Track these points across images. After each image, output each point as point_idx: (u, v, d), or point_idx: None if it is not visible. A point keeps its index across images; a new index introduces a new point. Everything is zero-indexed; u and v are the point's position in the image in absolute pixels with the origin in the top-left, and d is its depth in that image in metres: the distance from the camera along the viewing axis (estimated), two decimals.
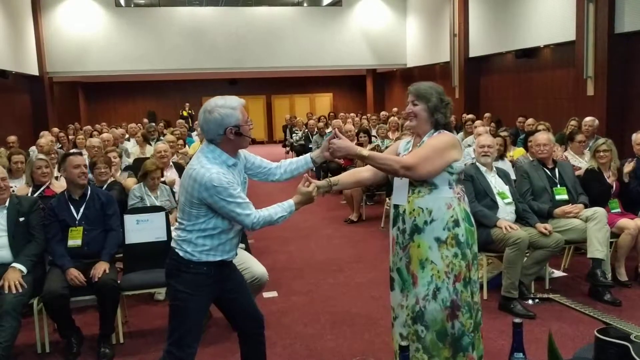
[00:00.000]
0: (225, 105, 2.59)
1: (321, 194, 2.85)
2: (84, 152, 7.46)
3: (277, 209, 2.71)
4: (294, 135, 14.49)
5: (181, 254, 2.65)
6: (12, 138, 9.16)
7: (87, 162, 4.88)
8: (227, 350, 3.84)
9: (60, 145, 9.97)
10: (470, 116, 10.71)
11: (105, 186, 5.10)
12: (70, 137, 11.43)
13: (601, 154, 5.02)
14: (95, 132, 10.90)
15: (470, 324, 2.73)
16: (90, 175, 5.12)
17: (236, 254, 2.81)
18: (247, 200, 2.65)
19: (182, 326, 2.70)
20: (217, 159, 2.61)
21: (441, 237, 2.69)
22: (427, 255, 2.70)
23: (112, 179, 5.47)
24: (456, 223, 2.71)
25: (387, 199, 7.12)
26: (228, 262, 2.77)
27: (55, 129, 11.65)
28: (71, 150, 7.47)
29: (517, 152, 6.90)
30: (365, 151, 2.75)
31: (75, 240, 3.94)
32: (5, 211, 3.87)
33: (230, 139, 2.60)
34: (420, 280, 2.71)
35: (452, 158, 2.72)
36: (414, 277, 2.74)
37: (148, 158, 6.63)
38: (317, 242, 6.70)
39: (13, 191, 4.30)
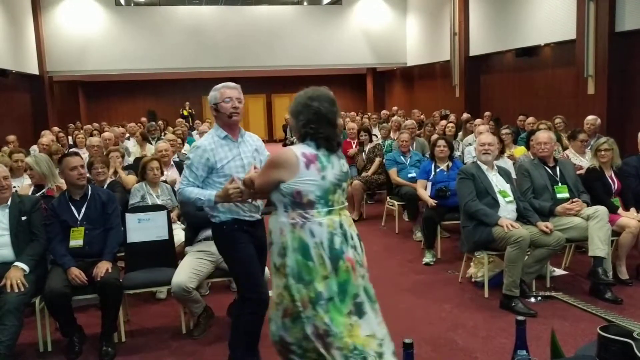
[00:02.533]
0: (213, 89, 3.28)
1: (245, 200, 3.05)
2: (84, 151, 7.48)
3: (199, 192, 3.12)
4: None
5: (215, 220, 3.19)
6: (11, 137, 9.16)
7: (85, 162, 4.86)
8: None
9: (59, 145, 9.97)
10: (466, 116, 10.73)
11: (105, 186, 5.09)
12: (69, 136, 11.43)
13: (602, 153, 5.01)
14: (95, 131, 10.89)
15: (343, 342, 2.43)
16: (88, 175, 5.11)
17: (258, 218, 3.26)
18: (191, 178, 3.16)
19: (245, 271, 3.18)
20: (213, 133, 3.26)
21: (276, 263, 2.55)
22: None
23: (112, 178, 5.46)
24: (285, 252, 2.50)
25: (387, 197, 7.12)
26: (253, 222, 3.23)
27: (56, 128, 11.66)
28: (70, 150, 7.45)
29: (518, 151, 6.90)
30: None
31: (76, 240, 3.92)
32: (7, 210, 3.86)
33: (215, 115, 3.27)
34: None
35: (275, 178, 2.53)
36: None
37: None
38: None
39: (15, 190, 4.30)
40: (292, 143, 14.18)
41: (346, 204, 2.70)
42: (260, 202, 3.20)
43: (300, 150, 2.53)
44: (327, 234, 2.50)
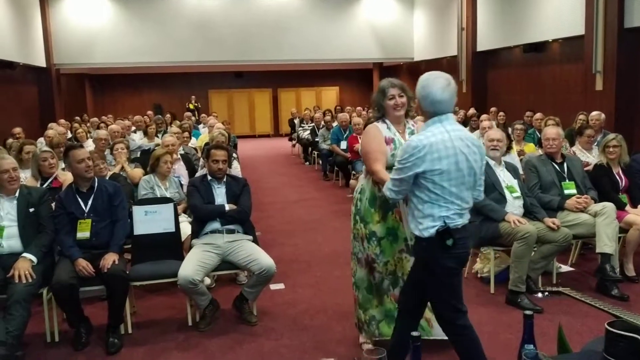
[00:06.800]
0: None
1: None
2: (87, 145, 7.49)
3: None
4: (299, 129, 14.48)
5: None
6: (17, 129, 9.20)
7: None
8: (235, 341, 3.87)
9: (70, 136, 9.99)
10: (472, 111, 10.71)
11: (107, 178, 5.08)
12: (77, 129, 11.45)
13: (611, 149, 5.00)
14: (102, 124, 10.92)
15: (384, 268, 3.39)
16: None
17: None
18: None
19: None
20: None
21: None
22: None
23: (110, 172, 5.44)
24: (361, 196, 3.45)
25: None
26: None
27: (62, 120, 11.70)
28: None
29: (527, 148, 6.86)
30: None
31: (83, 232, 3.94)
32: (15, 201, 3.88)
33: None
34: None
35: None
36: None
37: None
38: (324, 235, 6.70)
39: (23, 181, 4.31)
40: (298, 137, 14.23)
41: None
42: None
43: None
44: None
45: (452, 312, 2.86)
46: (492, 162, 4.60)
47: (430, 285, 2.86)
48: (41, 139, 8.85)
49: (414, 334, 1.54)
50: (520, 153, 6.27)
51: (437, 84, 2.70)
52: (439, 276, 2.80)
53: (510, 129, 7.12)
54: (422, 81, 2.75)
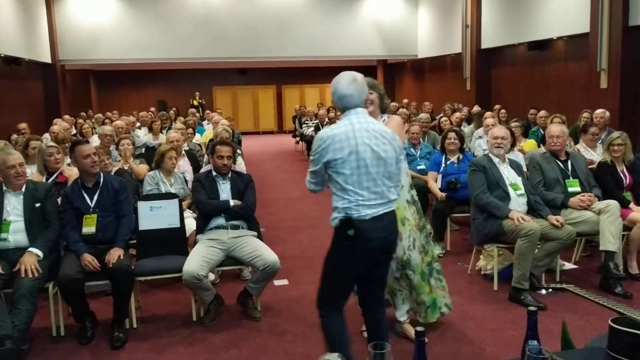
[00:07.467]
0: None
1: None
2: (93, 140, 7.51)
3: None
4: (304, 126, 14.48)
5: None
6: (22, 125, 9.23)
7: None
8: (239, 336, 3.89)
9: (75, 132, 10.01)
10: (477, 109, 10.70)
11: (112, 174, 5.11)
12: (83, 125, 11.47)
13: (616, 147, 4.99)
14: (107, 120, 10.93)
15: (430, 256, 3.65)
16: None
17: None
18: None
19: None
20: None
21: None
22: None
23: (115, 167, 5.46)
24: None
25: None
26: None
27: (67, 116, 11.72)
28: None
29: (527, 144, 6.87)
30: None
31: (89, 227, 3.97)
32: (21, 196, 3.90)
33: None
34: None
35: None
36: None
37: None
38: (327, 232, 6.64)
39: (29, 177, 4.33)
40: (301, 134, 14.24)
41: None
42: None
43: None
44: None
45: (328, 299, 3.04)
46: (496, 160, 4.61)
47: (325, 266, 3.03)
48: (47, 135, 8.88)
49: (419, 329, 1.55)
50: (520, 151, 6.27)
51: (343, 81, 2.94)
52: (335, 262, 2.98)
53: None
54: (333, 80, 2.98)
